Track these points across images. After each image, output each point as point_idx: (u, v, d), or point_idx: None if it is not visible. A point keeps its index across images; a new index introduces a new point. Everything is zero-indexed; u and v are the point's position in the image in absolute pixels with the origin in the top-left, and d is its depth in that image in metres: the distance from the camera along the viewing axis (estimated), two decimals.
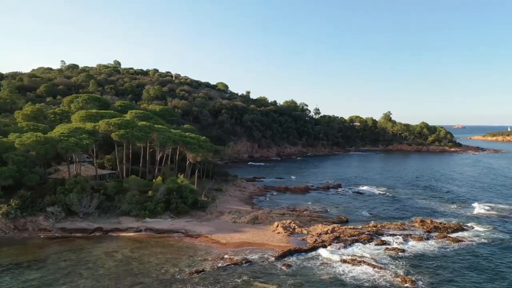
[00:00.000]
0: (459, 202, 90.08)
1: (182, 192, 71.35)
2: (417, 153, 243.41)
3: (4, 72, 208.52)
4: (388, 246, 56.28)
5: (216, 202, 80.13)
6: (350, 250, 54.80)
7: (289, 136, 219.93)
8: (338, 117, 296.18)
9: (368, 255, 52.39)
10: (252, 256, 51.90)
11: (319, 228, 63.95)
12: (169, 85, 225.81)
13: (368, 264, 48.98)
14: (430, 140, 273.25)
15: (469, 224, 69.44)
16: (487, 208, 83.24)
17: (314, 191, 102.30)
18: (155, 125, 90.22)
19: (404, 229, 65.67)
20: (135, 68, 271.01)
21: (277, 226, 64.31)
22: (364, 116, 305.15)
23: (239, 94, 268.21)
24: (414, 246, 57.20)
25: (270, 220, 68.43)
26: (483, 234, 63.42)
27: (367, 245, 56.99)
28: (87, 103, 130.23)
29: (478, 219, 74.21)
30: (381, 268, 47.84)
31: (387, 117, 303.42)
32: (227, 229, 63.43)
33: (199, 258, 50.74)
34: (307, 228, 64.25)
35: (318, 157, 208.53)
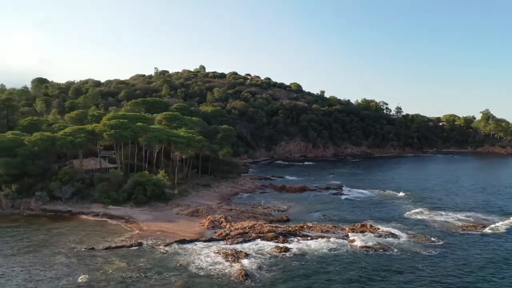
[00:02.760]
0: (442, 210, 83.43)
1: (145, 185, 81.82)
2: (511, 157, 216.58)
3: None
4: (279, 245, 58.54)
5: (189, 196, 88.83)
6: (238, 246, 58.54)
7: (351, 136, 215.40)
8: (423, 116, 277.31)
9: (246, 250, 55.89)
10: (150, 241, 59.66)
11: (240, 224, 68.21)
12: (238, 87, 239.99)
13: (232, 257, 52.86)
14: None
15: (409, 233, 66.16)
16: (462, 218, 76.53)
17: (308, 191, 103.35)
18: (151, 126, 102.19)
19: (326, 231, 66.01)
20: (219, 71, 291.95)
21: (208, 219, 70.60)
22: (464, 115, 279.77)
23: (316, 94, 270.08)
24: (308, 246, 58.36)
25: (210, 214, 74.71)
26: (397, 244, 60.70)
27: (263, 242, 60.02)
28: (134, 106, 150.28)
29: (435, 230, 69.61)
30: (237, 262, 51.41)
31: (486, 115, 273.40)
32: (164, 219, 71.97)
33: (106, 239, 60.43)
34: (233, 224, 69.05)
35: (381, 158, 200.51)
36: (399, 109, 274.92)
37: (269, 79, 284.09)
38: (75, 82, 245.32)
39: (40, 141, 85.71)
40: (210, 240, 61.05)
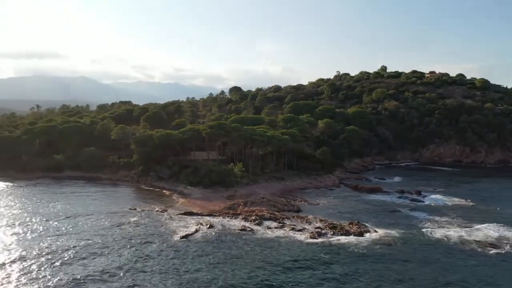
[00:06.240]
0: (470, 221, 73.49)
1: (212, 173, 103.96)
2: None
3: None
4: (245, 224, 71.25)
5: (253, 186, 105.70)
6: (218, 220, 74.26)
7: None
8: None
9: (214, 223, 71.32)
10: (172, 210, 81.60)
11: (248, 209, 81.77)
12: (406, 86, 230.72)
13: (200, 225, 69.67)
14: None
15: (383, 235, 66.65)
16: (491, 231, 67.89)
17: (378, 193, 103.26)
18: (245, 127, 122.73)
19: (307, 222, 73.20)
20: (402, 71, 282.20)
21: (233, 202, 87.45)
22: None
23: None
24: (264, 231, 68.20)
25: (242, 199, 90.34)
26: (346, 242, 63.49)
27: (241, 222, 73.30)
28: (271, 109, 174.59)
29: (424, 237, 66.63)
30: (197, 228, 68.12)
31: None
32: (206, 198, 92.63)
33: (152, 205, 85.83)
34: (245, 208, 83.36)
35: None
36: None
37: (462, 75, 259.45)
38: (262, 88, 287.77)
39: (161, 137, 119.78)
40: (209, 215, 78.63)
